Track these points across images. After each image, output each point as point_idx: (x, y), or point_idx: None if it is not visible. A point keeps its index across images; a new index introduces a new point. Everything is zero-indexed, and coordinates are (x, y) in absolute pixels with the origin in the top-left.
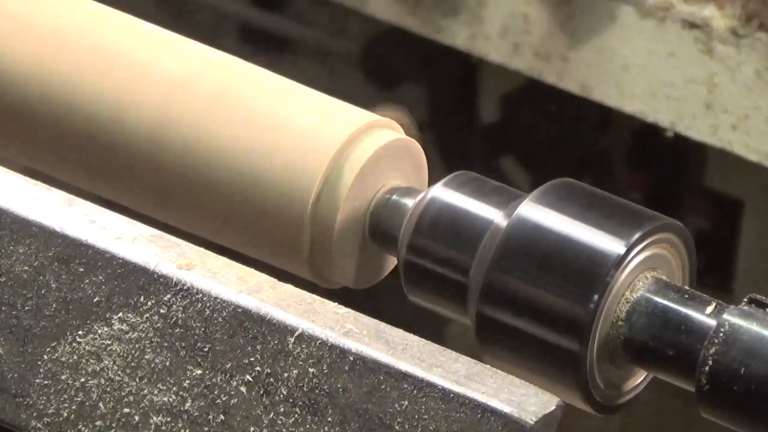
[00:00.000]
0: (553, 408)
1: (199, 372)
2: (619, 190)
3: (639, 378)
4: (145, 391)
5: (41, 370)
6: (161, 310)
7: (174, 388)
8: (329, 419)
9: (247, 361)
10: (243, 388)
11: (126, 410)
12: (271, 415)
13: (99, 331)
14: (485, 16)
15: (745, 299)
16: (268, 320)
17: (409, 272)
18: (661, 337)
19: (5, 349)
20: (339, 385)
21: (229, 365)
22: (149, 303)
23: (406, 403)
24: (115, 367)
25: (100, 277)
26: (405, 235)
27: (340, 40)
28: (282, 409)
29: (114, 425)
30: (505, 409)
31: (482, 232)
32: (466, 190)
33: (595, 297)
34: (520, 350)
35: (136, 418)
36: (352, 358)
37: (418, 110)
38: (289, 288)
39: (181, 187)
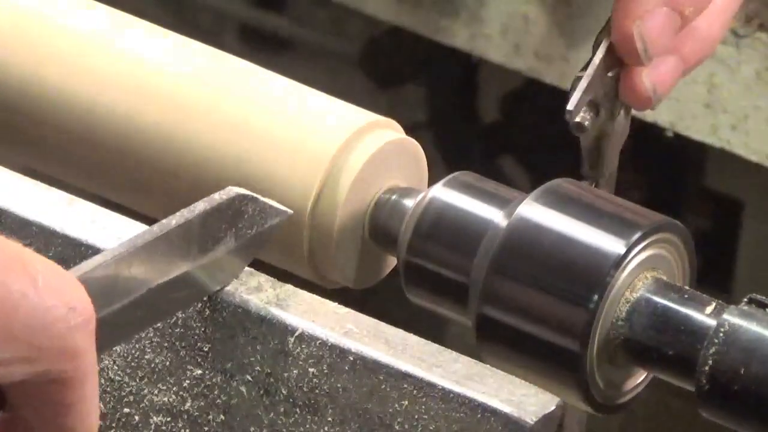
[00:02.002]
0: (553, 408)
1: (199, 372)
2: (619, 190)
3: (639, 378)
4: (145, 391)
5: None
6: None
7: (174, 388)
8: (329, 419)
9: (247, 361)
10: (243, 388)
11: (126, 410)
12: (271, 415)
13: None
14: (485, 16)
15: (745, 299)
16: (268, 320)
17: (409, 272)
18: (661, 337)
19: None
20: (339, 385)
21: (229, 365)
22: None
23: (406, 403)
24: (115, 367)
25: None
26: (405, 235)
27: (340, 40)
28: (282, 409)
29: (114, 425)
30: (505, 409)
31: (482, 232)
32: (466, 190)
33: (595, 297)
34: (520, 350)
35: (136, 418)
36: (352, 358)
37: (418, 110)
38: (289, 288)
39: (179, 187)
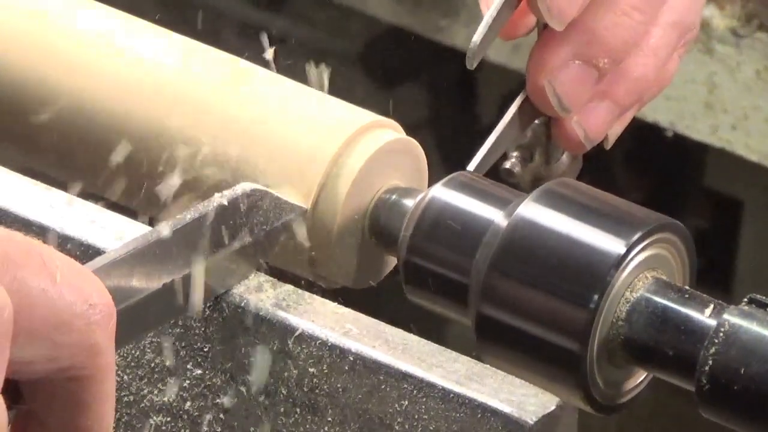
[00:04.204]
0: (553, 408)
1: (199, 372)
2: (619, 190)
3: (639, 378)
4: (145, 391)
5: None
6: None
7: (174, 388)
8: (329, 419)
9: (247, 361)
10: (243, 388)
11: (126, 410)
12: (271, 415)
13: None
14: None
15: (745, 299)
16: (268, 320)
17: (409, 272)
18: (661, 337)
19: None
20: (339, 385)
21: (229, 365)
22: None
23: (406, 403)
24: (115, 367)
25: None
26: (405, 235)
27: (340, 40)
28: (282, 409)
29: (114, 425)
30: (505, 409)
31: (482, 232)
32: (466, 190)
33: (595, 297)
34: (519, 350)
35: (136, 418)
36: (352, 358)
37: (418, 110)
38: (289, 288)
39: (178, 187)
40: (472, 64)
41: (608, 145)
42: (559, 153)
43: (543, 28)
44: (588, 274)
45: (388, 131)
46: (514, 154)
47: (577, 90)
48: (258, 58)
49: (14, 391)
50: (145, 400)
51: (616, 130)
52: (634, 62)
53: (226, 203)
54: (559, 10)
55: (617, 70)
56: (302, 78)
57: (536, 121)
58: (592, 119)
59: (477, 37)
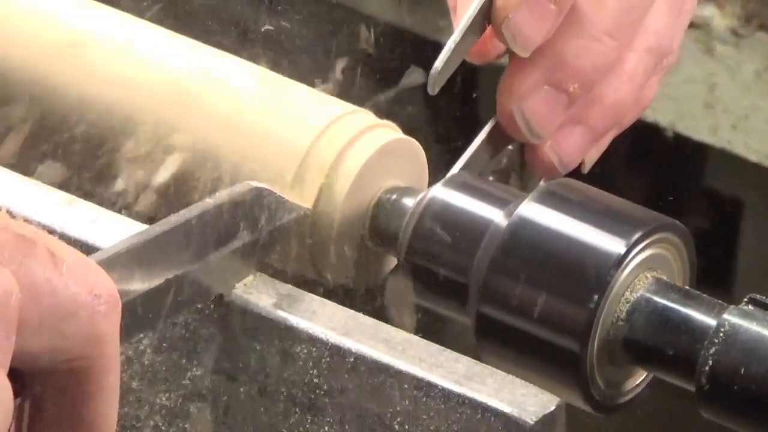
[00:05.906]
0: (553, 408)
1: (199, 372)
2: (619, 190)
3: (639, 378)
4: (145, 392)
5: None
6: None
7: (174, 389)
8: (329, 419)
9: (246, 361)
10: (243, 388)
11: (126, 410)
12: (271, 415)
13: None
14: None
15: (745, 299)
16: (268, 320)
17: (409, 272)
18: (661, 337)
19: None
20: (339, 385)
21: (229, 365)
22: None
23: (406, 403)
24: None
25: None
26: (405, 235)
27: (340, 40)
28: (282, 409)
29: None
30: (505, 409)
31: (482, 231)
32: (466, 190)
33: (596, 297)
34: (519, 350)
35: (136, 418)
36: (352, 358)
37: (418, 110)
38: (289, 288)
39: (175, 186)
40: (434, 90)
41: (585, 170)
42: (536, 178)
43: (513, 52)
44: (588, 274)
45: (388, 131)
46: (490, 179)
47: (546, 115)
48: (258, 58)
49: (18, 382)
50: (145, 401)
51: (592, 155)
52: (609, 87)
53: (226, 202)
54: (524, 38)
55: (592, 95)
56: (302, 77)
57: (510, 147)
58: (565, 144)
59: (439, 63)
